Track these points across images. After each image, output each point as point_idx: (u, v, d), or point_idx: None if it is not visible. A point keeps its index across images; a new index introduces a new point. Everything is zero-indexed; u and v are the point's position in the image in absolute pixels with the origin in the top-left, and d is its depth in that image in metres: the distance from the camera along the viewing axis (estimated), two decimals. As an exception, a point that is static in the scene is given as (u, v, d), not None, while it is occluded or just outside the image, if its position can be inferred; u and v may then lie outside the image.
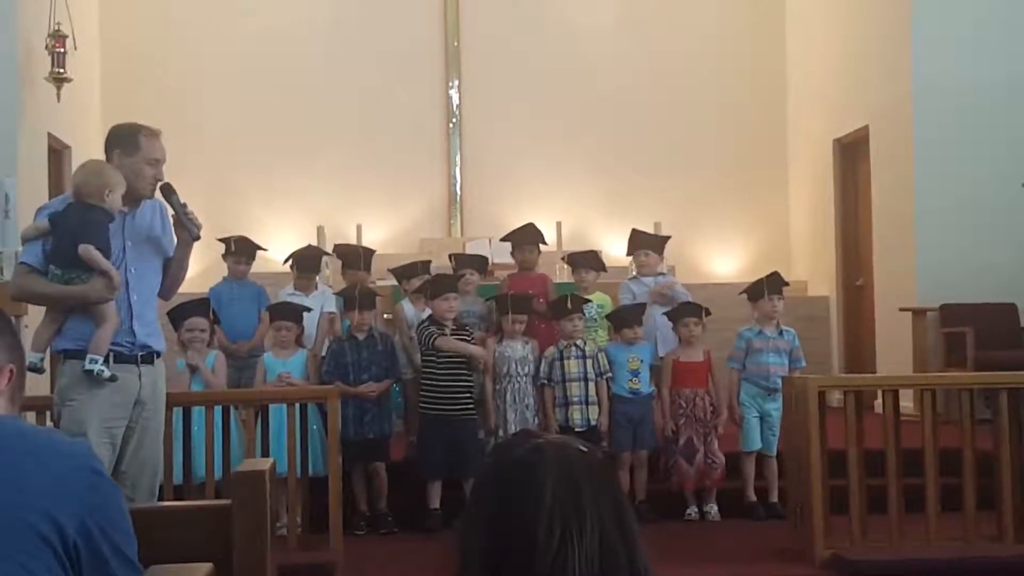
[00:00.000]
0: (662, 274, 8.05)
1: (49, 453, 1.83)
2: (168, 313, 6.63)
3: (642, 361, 7.15)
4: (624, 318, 7.30)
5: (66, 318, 4.63)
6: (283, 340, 6.96)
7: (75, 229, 4.54)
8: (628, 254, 8.11)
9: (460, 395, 6.91)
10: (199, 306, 6.74)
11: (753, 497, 7.03)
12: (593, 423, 7.03)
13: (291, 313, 7.01)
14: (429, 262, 7.99)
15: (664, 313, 7.46)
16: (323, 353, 7.22)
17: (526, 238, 7.90)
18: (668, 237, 8.32)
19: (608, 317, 7.50)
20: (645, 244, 7.97)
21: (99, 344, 4.55)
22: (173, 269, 4.91)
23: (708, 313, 7.36)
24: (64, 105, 9.42)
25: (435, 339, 6.89)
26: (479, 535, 1.63)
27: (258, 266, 8.16)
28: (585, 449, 1.68)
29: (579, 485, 1.60)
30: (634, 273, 8.20)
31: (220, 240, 7.64)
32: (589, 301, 7.45)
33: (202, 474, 5.99)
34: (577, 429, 6.86)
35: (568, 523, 1.57)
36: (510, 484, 1.62)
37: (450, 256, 8.00)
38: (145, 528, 1.93)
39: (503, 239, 8.26)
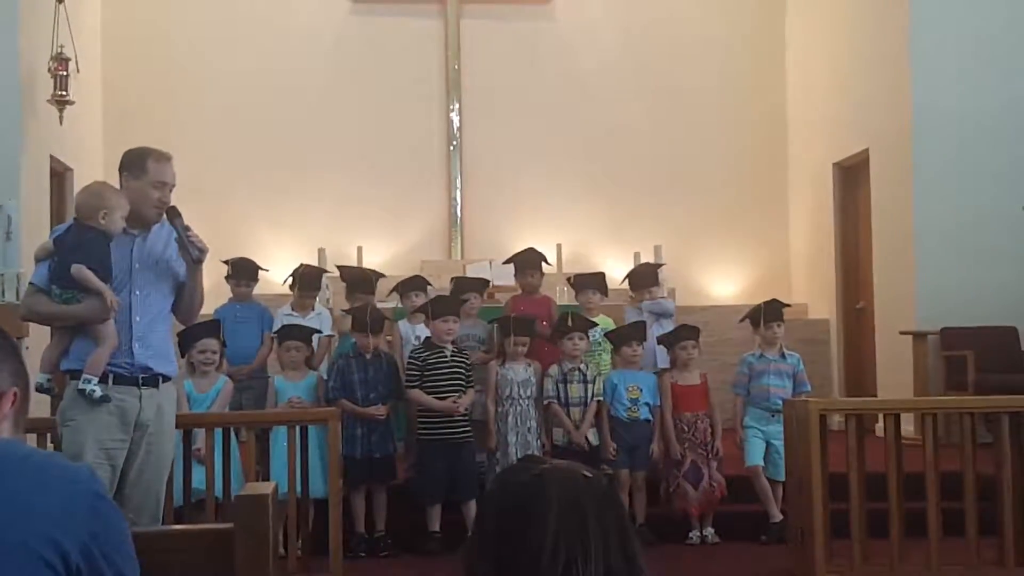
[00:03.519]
0: (663, 298, 8.06)
1: (52, 477, 1.82)
2: (178, 335, 6.63)
3: (641, 390, 7.15)
4: (624, 336, 7.31)
5: (72, 338, 4.65)
6: (292, 361, 6.95)
7: (71, 250, 4.58)
8: (633, 289, 8.09)
9: (457, 419, 6.91)
10: (210, 328, 6.75)
11: (777, 517, 6.93)
12: (595, 444, 7.05)
13: (300, 334, 7.02)
14: (424, 279, 7.96)
15: (658, 338, 7.48)
16: (323, 375, 7.23)
17: (528, 262, 7.92)
18: (662, 265, 8.33)
19: (608, 336, 7.50)
20: (648, 283, 7.98)
21: (94, 364, 4.55)
22: (186, 294, 4.90)
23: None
24: (66, 128, 9.45)
25: (407, 390, 6.98)
26: (484, 560, 1.63)
27: (258, 287, 8.17)
28: (589, 474, 1.69)
29: (583, 511, 1.60)
30: (631, 296, 8.20)
31: (224, 262, 7.65)
32: (595, 324, 7.46)
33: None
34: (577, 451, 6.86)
35: (572, 549, 1.57)
36: (515, 510, 1.62)
37: (452, 279, 8.01)
38: (148, 552, 1.93)
39: (505, 262, 8.28)
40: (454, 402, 6.85)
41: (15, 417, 1.94)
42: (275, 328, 7.32)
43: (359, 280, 7.77)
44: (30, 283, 4.75)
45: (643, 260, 10.58)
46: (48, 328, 4.89)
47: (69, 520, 1.77)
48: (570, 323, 7.12)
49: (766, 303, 7.43)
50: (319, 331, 7.21)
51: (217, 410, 6.50)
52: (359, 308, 7.25)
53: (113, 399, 4.57)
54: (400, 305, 7.93)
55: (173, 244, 4.84)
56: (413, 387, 6.94)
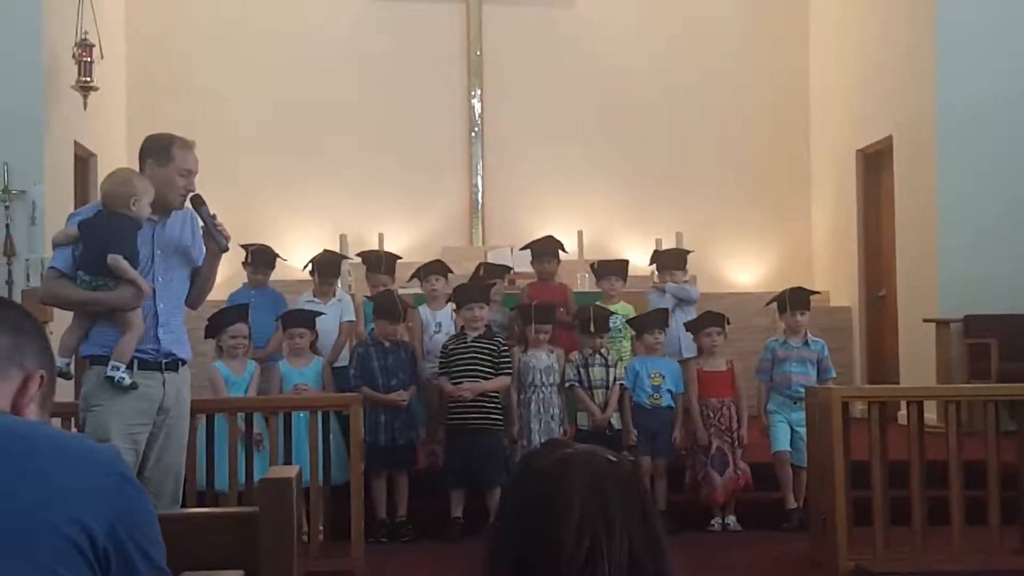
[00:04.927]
0: (686, 282, 8.01)
1: (79, 459, 1.83)
2: (209, 319, 6.73)
3: (664, 376, 7.14)
4: (646, 323, 7.30)
5: (93, 324, 4.67)
6: (297, 347, 6.96)
7: (104, 238, 4.57)
8: (659, 269, 8.05)
9: (486, 406, 6.92)
10: (240, 313, 6.79)
11: (793, 503, 6.96)
12: (617, 427, 7.07)
13: (303, 320, 7.02)
14: (444, 264, 7.96)
15: (685, 324, 7.46)
16: (340, 363, 7.24)
17: (545, 249, 7.91)
18: (690, 252, 8.27)
19: (630, 323, 7.49)
20: (674, 264, 7.96)
21: (122, 351, 4.58)
22: (201, 279, 4.94)
23: (728, 322, 7.36)
24: (90, 113, 9.47)
25: (440, 377, 7.05)
26: (507, 545, 1.63)
27: (279, 274, 8.18)
28: (614, 459, 1.68)
29: (607, 496, 1.60)
30: (655, 283, 8.17)
31: (243, 246, 7.67)
32: (614, 313, 7.44)
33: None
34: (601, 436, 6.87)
35: (596, 534, 1.56)
36: (538, 494, 1.62)
37: (480, 265, 7.97)
38: (174, 535, 1.94)
39: (522, 248, 8.27)
40: (460, 389, 6.87)
41: (41, 400, 1.95)
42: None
43: (377, 262, 7.76)
44: (51, 267, 4.75)
45: (664, 247, 10.56)
46: (70, 313, 4.91)
47: (96, 501, 1.78)
48: (592, 328, 7.08)
49: (791, 291, 7.40)
50: (320, 313, 7.19)
51: (251, 393, 6.57)
52: (382, 295, 7.26)
53: (139, 385, 4.60)
54: (420, 291, 7.94)
55: (188, 228, 4.86)
56: (442, 374, 6.98)
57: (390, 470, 6.89)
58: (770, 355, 7.21)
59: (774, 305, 7.52)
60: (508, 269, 8.13)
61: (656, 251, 8.31)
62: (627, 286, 8.07)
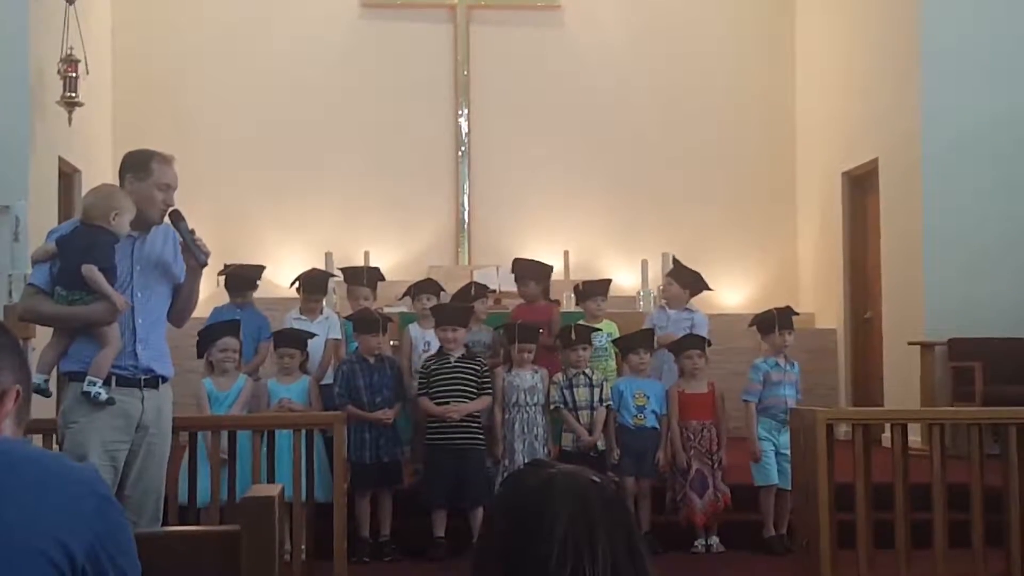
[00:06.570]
0: (688, 309, 7.91)
1: (57, 478, 1.82)
2: (199, 333, 6.78)
3: (648, 397, 7.12)
4: (630, 343, 7.28)
5: (72, 340, 4.63)
6: (286, 367, 6.96)
7: (80, 251, 4.55)
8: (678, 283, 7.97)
9: (467, 424, 6.90)
10: (230, 327, 6.78)
11: (772, 531, 6.98)
12: (601, 448, 7.04)
13: (295, 340, 7.01)
14: (436, 283, 7.95)
15: (667, 346, 7.43)
16: (326, 380, 7.22)
17: (524, 271, 7.93)
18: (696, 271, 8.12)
19: (615, 342, 7.48)
20: (670, 273, 7.95)
21: (98, 367, 4.54)
22: (183, 296, 4.90)
23: (709, 344, 7.34)
24: (75, 129, 9.46)
25: (419, 397, 7.02)
26: (492, 564, 1.62)
27: (265, 291, 8.14)
28: (597, 479, 1.68)
29: (591, 516, 1.59)
30: (663, 303, 8.13)
31: (225, 266, 7.63)
32: (598, 330, 7.43)
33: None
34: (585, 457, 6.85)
35: (580, 554, 1.56)
36: (523, 515, 1.61)
37: (471, 284, 7.95)
38: (156, 554, 1.93)
39: (512, 271, 8.29)
40: (448, 410, 6.85)
41: (17, 415, 1.94)
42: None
43: (358, 275, 7.74)
44: (29, 284, 4.73)
45: (650, 268, 10.60)
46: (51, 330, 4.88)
47: (75, 521, 1.77)
48: (573, 336, 7.09)
49: (780, 309, 7.37)
50: (314, 335, 7.18)
51: (238, 408, 6.56)
52: (358, 312, 7.26)
53: (116, 401, 4.56)
54: (411, 309, 7.92)
55: (169, 244, 4.84)
56: (422, 394, 6.95)
57: (375, 488, 6.86)
58: (761, 376, 7.12)
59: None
60: (492, 289, 8.12)
61: (676, 262, 8.16)
62: (614, 306, 8.05)
